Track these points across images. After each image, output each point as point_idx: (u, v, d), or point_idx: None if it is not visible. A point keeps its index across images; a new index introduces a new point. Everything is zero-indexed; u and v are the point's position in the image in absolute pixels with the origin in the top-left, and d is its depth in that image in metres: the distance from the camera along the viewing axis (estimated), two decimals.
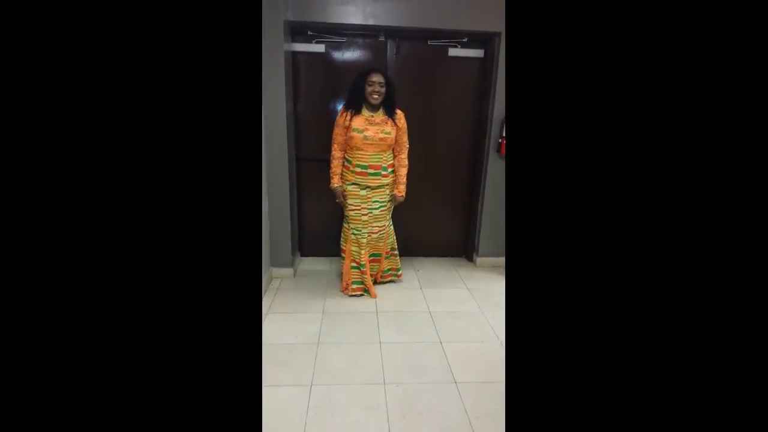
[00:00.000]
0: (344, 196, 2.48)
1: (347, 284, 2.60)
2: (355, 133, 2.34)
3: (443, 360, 1.96)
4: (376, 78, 2.31)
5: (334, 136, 2.43)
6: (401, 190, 2.55)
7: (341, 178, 2.49)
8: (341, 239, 2.66)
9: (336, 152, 2.45)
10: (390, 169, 2.49)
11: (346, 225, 2.58)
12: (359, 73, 2.36)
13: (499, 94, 2.78)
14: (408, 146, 2.49)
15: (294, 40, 2.73)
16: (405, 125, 2.45)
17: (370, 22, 2.60)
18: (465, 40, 2.81)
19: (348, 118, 2.35)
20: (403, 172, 2.52)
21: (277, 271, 2.80)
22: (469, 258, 3.26)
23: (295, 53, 2.74)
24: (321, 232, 3.09)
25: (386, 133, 2.36)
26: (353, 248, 2.58)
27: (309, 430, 1.52)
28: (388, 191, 2.52)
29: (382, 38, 2.80)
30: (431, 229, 3.21)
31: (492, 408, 1.66)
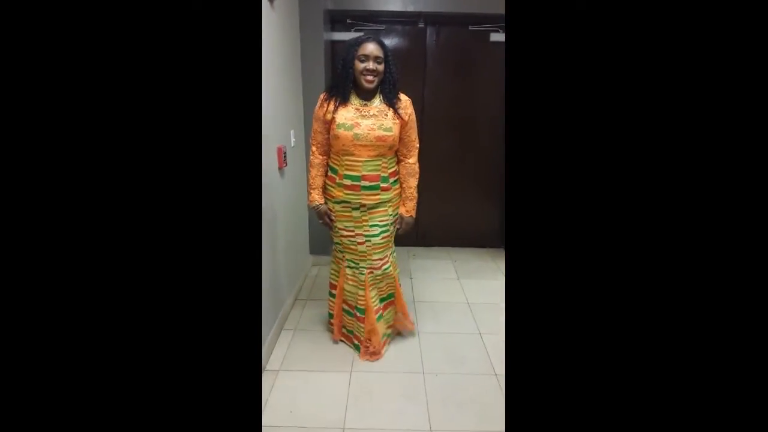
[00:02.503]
0: (330, 218, 1.79)
1: (338, 327, 1.95)
2: (341, 131, 1.61)
3: (483, 351, 1.94)
4: (371, 50, 1.58)
5: (312, 134, 1.74)
6: (410, 209, 1.79)
7: (324, 193, 1.78)
8: (331, 272, 1.96)
9: (315, 157, 1.75)
10: (393, 180, 1.74)
11: (338, 254, 1.88)
12: (347, 45, 1.65)
13: None
14: (418, 146, 1.77)
15: (333, 29, 2.73)
16: (413, 117, 1.71)
17: (410, 8, 2.56)
18: (503, 24, 2.72)
19: (330, 109, 1.64)
20: (413, 183, 1.77)
21: (316, 259, 2.84)
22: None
23: (334, 42, 2.74)
24: None
25: (386, 130, 1.61)
26: (349, 288, 1.85)
27: (349, 415, 1.54)
28: (391, 211, 1.76)
29: (421, 24, 2.75)
30: (468, 219, 3.16)
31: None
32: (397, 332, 2.02)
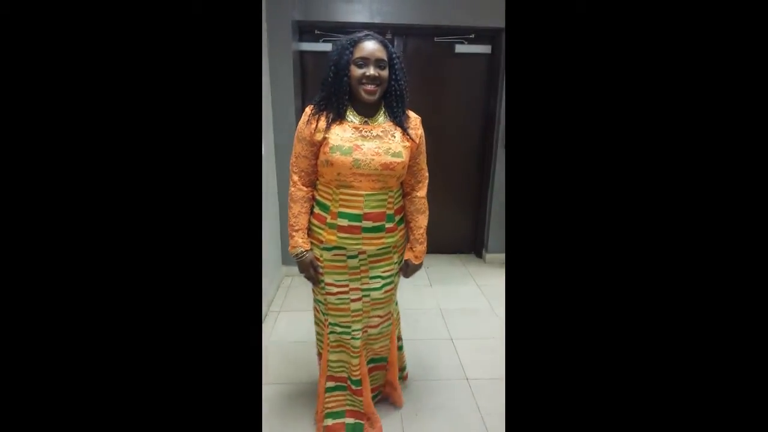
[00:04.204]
0: (316, 270, 1.33)
1: (319, 414, 1.48)
2: (335, 155, 1.20)
3: (455, 357, 1.97)
4: (372, 51, 1.18)
5: (293, 158, 1.30)
6: (419, 255, 1.40)
7: (309, 236, 1.34)
8: (316, 337, 1.55)
9: (297, 188, 1.30)
10: (399, 218, 1.35)
11: (320, 317, 1.46)
12: (339, 45, 1.23)
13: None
14: (428, 175, 1.40)
15: (301, 40, 2.74)
16: (424, 139, 1.34)
17: (377, 20, 2.60)
18: (472, 36, 2.80)
19: (321, 126, 1.23)
20: (423, 222, 1.39)
21: (288, 270, 2.82)
22: (479, 254, 3.26)
23: (302, 53, 2.75)
24: None
25: (394, 156, 1.22)
26: (333, 357, 1.43)
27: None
28: (396, 258, 1.39)
29: (389, 36, 2.79)
30: (440, 226, 3.20)
31: (504, 405, 1.66)
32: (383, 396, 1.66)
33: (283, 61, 2.45)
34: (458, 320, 2.31)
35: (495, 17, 2.63)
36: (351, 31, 2.71)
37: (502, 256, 3.12)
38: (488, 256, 3.14)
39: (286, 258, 2.80)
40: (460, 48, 2.82)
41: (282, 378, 1.80)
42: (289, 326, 2.22)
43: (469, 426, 1.56)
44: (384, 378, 1.59)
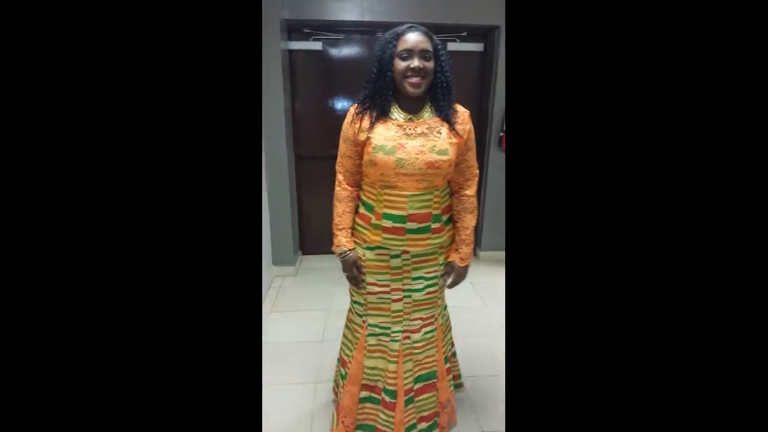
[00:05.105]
0: (359, 270, 1.31)
1: (342, 425, 1.40)
2: (379, 155, 1.17)
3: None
4: (416, 42, 1.13)
5: (339, 158, 1.29)
6: (465, 257, 1.33)
7: (353, 235, 1.32)
8: (342, 343, 1.48)
9: (342, 188, 1.30)
10: (446, 217, 1.30)
11: (356, 318, 1.39)
12: (382, 40, 1.18)
13: (500, 89, 2.77)
14: (477, 173, 1.34)
15: (291, 38, 2.72)
16: (473, 135, 1.29)
17: (367, 18, 2.59)
18: (464, 34, 2.80)
19: (365, 126, 1.20)
20: (471, 222, 1.32)
21: (279, 270, 2.80)
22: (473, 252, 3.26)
23: (292, 51, 2.73)
24: (323, 230, 3.09)
25: (440, 153, 1.18)
26: (372, 363, 1.36)
27: (316, 427, 1.52)
28: (442, 259, 1.33)
29: (380, 34, 2.78)
30: None
31: (498, 402, 1.66)
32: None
33: (273, 60, 2.43)
34: (452, 317, 2.29)
35: (487, 15, 2.62)
36: (341, 29, 2.73)
37: (496, 254, 3.12)
38: (482, 254, 3.14)
39: (276, 258, 2.78)
40: (452, 46, 2.81)
41: (274, 380, 1.78)
42: (280, 327, 2.20)
43: (462, 422, 1.55)
44: (436, 403, 1.41)
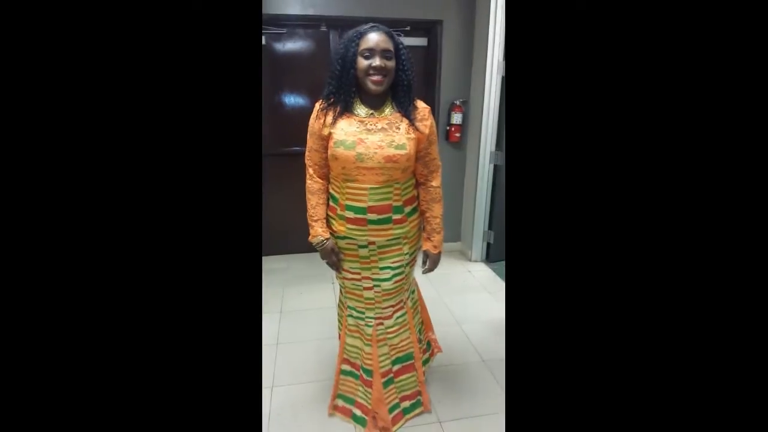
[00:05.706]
0: (338, 256, 1.39)
1: (333, 394, 1.56)
2: (339, 150, 1.24)
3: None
4: (377, 42, 1.20)
5: (307, 152, 1.35)
6: (437, 244, 1.42)
7: (327, 226, 1.38)
8: (338, 318, 1.65)
9: (313, 181, 1.36)
10: (409, 209, 1.36)
11: (341, 299, 1.55)
12: (345, 39, 1.25)
13: (444, 82, 2.81)
14: (440, 165, 1.41)
15: None
16: (434, 129, 1.35)
17: (310, 12, 2.54)
18: (408, 28, 2.81)
19: (328, 121, 1.26)
20: (438, 211, 1.41)
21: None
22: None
23: None
24: (277, 229, 3.02)
25: (398, 148, 1.24)
26: (350, 342, 1.50)
27: (272, 430, 1.48)
28: (407, 249, 1.40)
29: (324, 28, 2.74)
30: None
31: (456, 391, 1.70)
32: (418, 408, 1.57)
33: None
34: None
35: (430, 10, 2.65)
36: (284, 23, 2.65)
37: (448, 245, 3.17)
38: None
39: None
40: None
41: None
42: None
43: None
44: (416, 383, 1.54)
